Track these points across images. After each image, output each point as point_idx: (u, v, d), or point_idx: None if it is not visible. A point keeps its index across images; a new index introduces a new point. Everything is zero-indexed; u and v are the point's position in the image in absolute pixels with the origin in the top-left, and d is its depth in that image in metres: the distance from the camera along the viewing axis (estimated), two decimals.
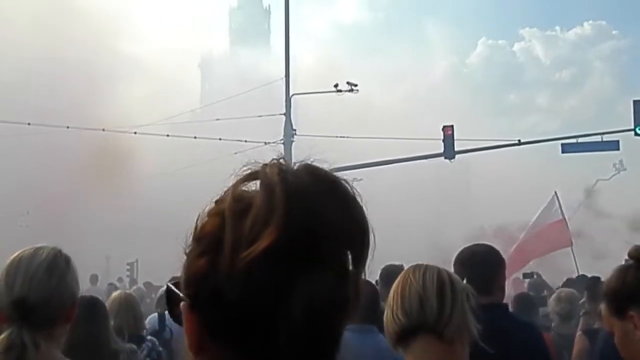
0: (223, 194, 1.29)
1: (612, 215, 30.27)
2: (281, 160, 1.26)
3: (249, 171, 1.27)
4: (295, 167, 1.25)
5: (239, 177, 1.28)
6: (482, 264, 4.33)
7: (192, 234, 1.28)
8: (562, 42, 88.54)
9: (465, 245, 4.57)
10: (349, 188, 1.26)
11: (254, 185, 1.25)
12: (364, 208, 1.26)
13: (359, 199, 1.25)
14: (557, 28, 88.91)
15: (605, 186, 41.90)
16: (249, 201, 1.22)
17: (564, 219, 16.97)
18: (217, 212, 1.26)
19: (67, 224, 34.34)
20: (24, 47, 40.10)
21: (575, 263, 16.70)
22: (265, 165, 1.26)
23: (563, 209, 17.26)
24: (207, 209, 1.29)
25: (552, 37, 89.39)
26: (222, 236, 1.22)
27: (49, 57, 40.44)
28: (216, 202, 1.29)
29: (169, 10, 58.92)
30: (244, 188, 1.26)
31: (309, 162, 1.26)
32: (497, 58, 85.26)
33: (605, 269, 3.86)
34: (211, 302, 1.21)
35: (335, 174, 1.27)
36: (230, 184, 1.27)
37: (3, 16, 41.61)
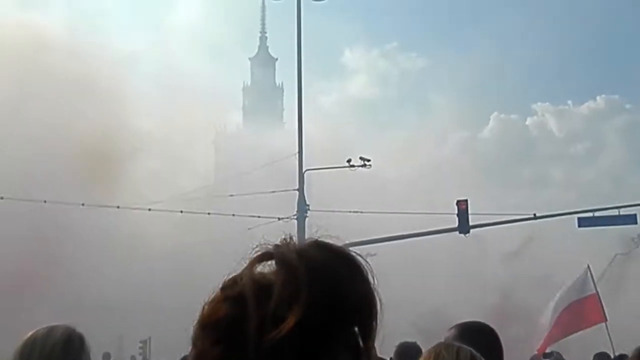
0: (229, 279, 1.28)
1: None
2: (292, 239, 1.27)
3: (261, 252, 1.27)
4: (308, 244, 1.26)
5: (251, 259, 1.28)
6: (496, 340, 4.27)
7: (200, 322, 1.27)
8: (575, 116, 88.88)
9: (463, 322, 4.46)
10: (363, 264, 1.26)
11: (266, 266, 1.26)
12: (376, 284, 1.26)
13: (372, 276, 1.25)
14: (570, 102, 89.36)
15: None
16: (269, 282, 1.22)
17: (597, 293, 16.32)
18: (229, 298, 1.25)
19: (79, 300, 34.21)
20: (38, 124, 40.61)
21: (610, 340, 15.46)
22: (278, 245, 1.27)
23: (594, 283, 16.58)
24: (213, 296, 1.28)
25: (565, 111, 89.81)
26: (239, 321, 1.21)
27: (64, 135, 40.90)
28: (223, 288, 1.28)
29: (182, 87, 59.67)
30: (257, 269, 1.26)
31: (319, 238, 1.27)
32: (510, 132, 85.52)
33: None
34: None
35: (349, 249, 1.27)
36: (241, 267, 1.27)
37: (22, 92, 42.30)
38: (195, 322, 1.28)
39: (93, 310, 33.08)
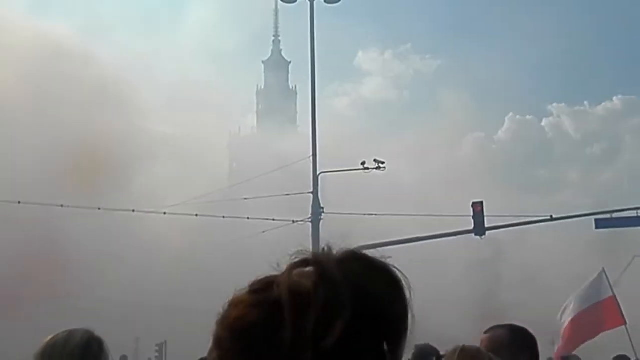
0: (259, 282, 1.25)
1: None
2: (330, 249, 1.24)
3: (300, 259, 1.25)
4: (346, 256, 1.23)
5: (289, 265, 1.25)
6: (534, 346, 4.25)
7: (227, 324, 1.23)
8: (591, 117, 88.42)
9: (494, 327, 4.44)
10: (402, 280, 1.24)
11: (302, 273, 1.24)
12: (412, 299, 1.24)
13: (409, 291, 1.23)
14: (586, 103, 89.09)
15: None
16: (307, 291, 1.19)
17: (614, 296, 16.11)
18: (262, 303, 1.22)
19: (96, 304, 34.35)
20: (54, 129, 40.81)
21: (631, 342, 15.29)
22: (317, 254, 1.24)
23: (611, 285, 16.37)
24: (239, 298, 1.25)
25: (581, 112, 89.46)
26: (275, 328, 1.18)
27: (80, 140, 41.07)
28: (254, 291, 1.25)
29: (196, 91, 59.89)
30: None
31: (354, 249, 1.24)
32: (525, 134, 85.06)
33: None
34: None
35: (387, 263, 1.25)
36: (277, 270, 1.23)
37: (38, 98, 42.54)
38: (219, 322, 1.25)
39: (109, 313, 33.17)
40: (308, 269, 1.23)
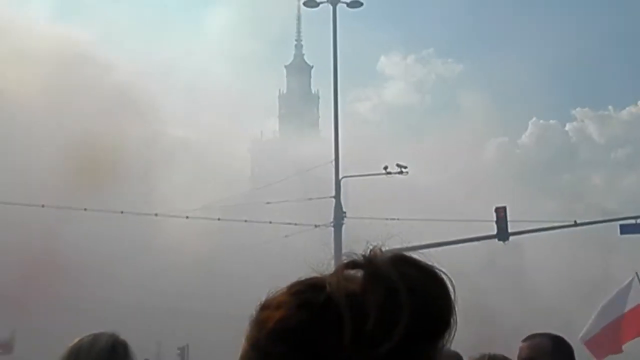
0: (301, 283, 1.22)
1: None
2: (380, 250, 1.22)
3: (350, 259, 1.21)
4: (396, 259, 1.20)
5: (339, 266, 1.21)
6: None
7: (265, 326, 1.18)
8: (615, 122, 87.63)
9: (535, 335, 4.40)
10: (449, 283, 1.23)
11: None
12: (457, 302, 1.23)
13: (455, 295, 1.22)
14: (610, 107, 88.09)
15: None
16: (359, 293, 1.16)
17: None
18: (309, 304, 1.17)
19: (117, 307, 34.52)
20: (75, 133, 41.09)
21: None
22: (367, 256, 1.21)
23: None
24: (278, 299, 1.21)
25: (606, 117, 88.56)
26: (323, 330, 1.14)
27: (101, 144, 41.36)
28: (297, 292, 1.20)
29: (218, 95, 60.13)
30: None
31: (402, 251, 1.23)
32: (549, 138, 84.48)
33: None
34: None
35: (435, 266, 1.23)
36: (312, 271, 1.21)
37: (59, 102, 42.85)
38: (255, 325, 1.20)
39: (131, 316, 33.32)
40: (357, 271, 1.20)
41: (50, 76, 44.31)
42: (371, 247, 1.21)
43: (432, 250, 29.78)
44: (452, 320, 1.20)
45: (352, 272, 1.20)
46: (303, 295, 1.19)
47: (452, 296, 1.22)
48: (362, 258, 1.20)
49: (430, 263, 1.23)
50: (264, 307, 1.21)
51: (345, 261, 1.21)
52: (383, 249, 1.22)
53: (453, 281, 1.22)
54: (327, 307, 1.15)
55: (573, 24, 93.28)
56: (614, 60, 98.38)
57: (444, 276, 1.22)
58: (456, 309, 1.21)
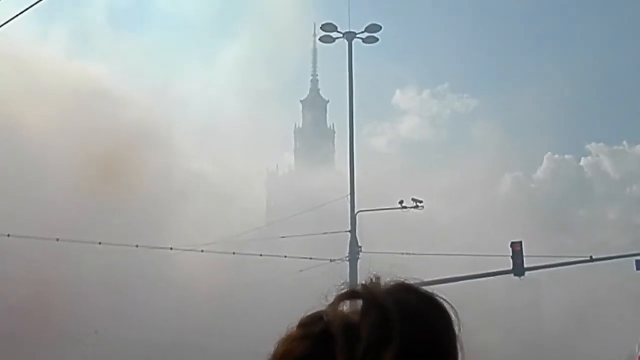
0: (308, 317, 1.26)
1: None
2: (379, 279, 1.24)
3: (347, 290, 1.24)
4: (396, 287, 1.23)
5: (336, 296, 1.24)
6: None
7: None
8: (630, 157, 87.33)
9: None
10: (451, 312, 1.23)
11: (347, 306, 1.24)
12: (461, 332, 1.23)
13: (458, 324, 1.22)
14: (625, 142, 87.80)
15: None
16: (355, 322, 1.19)
17: None
18: (310, 335, 1.23)
19: (131, 341, 34.46)
20: (92, 167, 41.32)
21: None
22: (366, 285, 1.24)
23: None
24: (289, 333, 1.26)
25: (620, 152, 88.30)
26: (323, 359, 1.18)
27: (119, 178, 41.56)
28: (301, 325, 1.25)
29: (234, 130, 60.50)
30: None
31: (402, 281, 1.24)
32: (564, 173, 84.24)
33: None
34: None
35: (436, 294, 1.24)
36: (325, 303, 1.24)
37: (77, 136, 43.14)
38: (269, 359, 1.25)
39: (145, 349, 33.28)
40: (358, 300, 1.23)
41: (67, 111, 44.69)
42: (372, 277, 1.23)
43: (449, 285, 29.66)
44: (451, 345, 1.20)
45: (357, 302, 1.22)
46: (304, 329, 1.24)
47: (452, 322, 1.22)
48: (361, 288, 1.22)
49: (436, 294, 1.24)
50: (279, 341, 1.26)
51: (343, 291, 1.23)
52: (387, 279, 1.24)
53: (455, 308, 1.23)
54: (324, 336, 1.20)
55: (587, 59, 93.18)
56: (628, 95, 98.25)
57: (444, 303, 1.23)
58: (458, 334, 1.21)
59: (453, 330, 1.23)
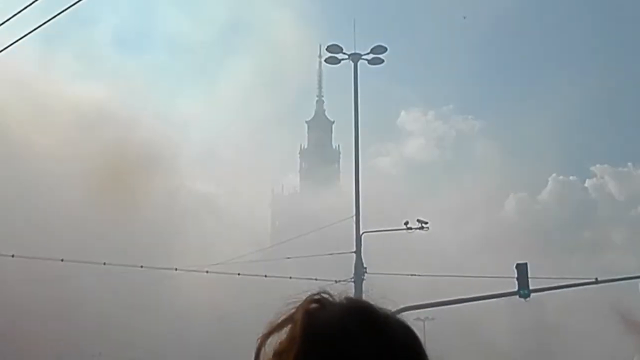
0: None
1: None
2: (324, 295, 1.42)
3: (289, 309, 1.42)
4: (341, 306, 1.39)
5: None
6: None
7: None
8: (635, 179, 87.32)
9: None
10: (384, 319, 1.30)
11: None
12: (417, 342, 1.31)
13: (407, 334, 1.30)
14: (630, 164, 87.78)
15: None
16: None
17: None
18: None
19: None
20: (98, 190, 41.40)
21: None
22: (311, 297, 1.42)
23: None
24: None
25: (625, 174, 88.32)
26: None
27: (123, 201, 41.62)
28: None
29: (239, 151, 60.67)
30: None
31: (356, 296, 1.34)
32: (569, 194, 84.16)
33: None
34: None
35: (380, 307, 1.32)
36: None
37: (82, 160, 43.25)
38: None
39: None
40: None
41: (72, 134, 44.89)
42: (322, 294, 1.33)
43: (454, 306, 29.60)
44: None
45: None
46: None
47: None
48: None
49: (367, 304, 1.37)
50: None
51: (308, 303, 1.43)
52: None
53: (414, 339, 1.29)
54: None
55: (592, 81, 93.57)
56: (633, 117, 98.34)
57: (381, 317, 1.36)
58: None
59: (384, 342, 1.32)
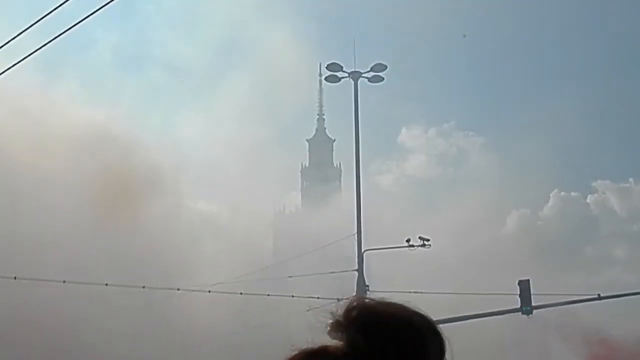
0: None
1: None
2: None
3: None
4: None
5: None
6: None
7: None
8: (637, 194, 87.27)
9: None
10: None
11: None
12: None
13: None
14: (631, 180, 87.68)
15: None
16: None
17: None
18: None
19: None
20: (101, 211, 41.44)
21: None
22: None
23: None
24: None
25: (627, 189, 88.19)
26: None
27: (126, 222, 41.63)
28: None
29: (241, 170, 60.75)
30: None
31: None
32: (571, 210, 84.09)
33: None
34: None
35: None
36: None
37: (85, 181, 43.32)
38: None
39: None
40: None
41: (73, 155, 44.94)
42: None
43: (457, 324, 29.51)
44: None
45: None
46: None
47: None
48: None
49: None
50: None
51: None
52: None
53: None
54: None
55: (593, 96, 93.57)
56: (634, 132, 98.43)
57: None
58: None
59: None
